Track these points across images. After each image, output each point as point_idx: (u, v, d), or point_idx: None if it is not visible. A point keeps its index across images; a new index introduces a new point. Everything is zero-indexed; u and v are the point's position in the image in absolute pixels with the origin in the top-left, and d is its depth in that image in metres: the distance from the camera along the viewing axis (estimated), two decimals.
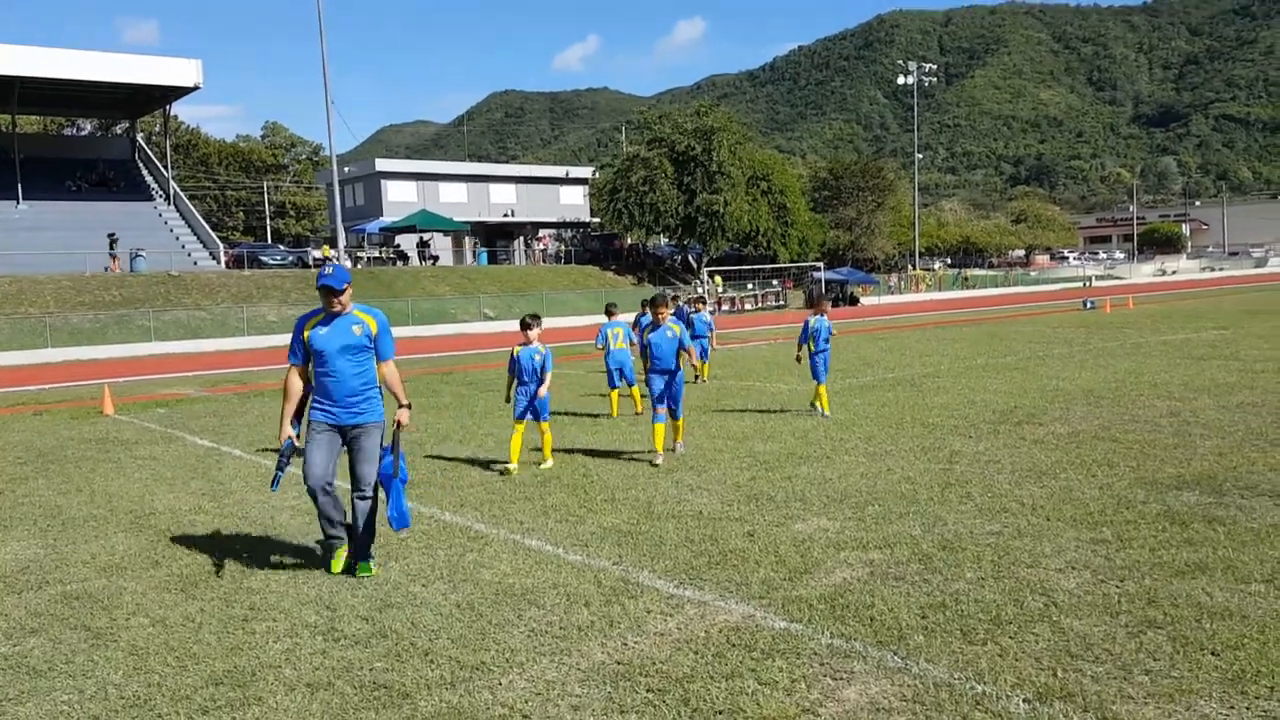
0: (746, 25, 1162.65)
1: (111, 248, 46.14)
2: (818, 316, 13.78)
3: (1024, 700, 4.45)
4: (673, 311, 14.91)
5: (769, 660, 5.03)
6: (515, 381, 10.53)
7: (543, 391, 10.35)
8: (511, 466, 10.28)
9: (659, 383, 10.59)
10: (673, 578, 6.46)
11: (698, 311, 18.61)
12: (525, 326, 10.40)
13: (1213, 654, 4.83)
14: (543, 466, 10.39)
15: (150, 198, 54.73)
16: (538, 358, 10.36)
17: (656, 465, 10.24)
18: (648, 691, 4.73)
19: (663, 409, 10.56)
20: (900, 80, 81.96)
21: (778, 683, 4.77)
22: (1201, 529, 6.97)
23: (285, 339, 36.45)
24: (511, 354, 10.56)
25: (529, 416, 10.43)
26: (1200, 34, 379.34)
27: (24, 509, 9.50)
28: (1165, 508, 7.59)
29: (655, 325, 10.69)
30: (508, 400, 10.75)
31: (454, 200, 69.67)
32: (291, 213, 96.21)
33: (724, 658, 5.09)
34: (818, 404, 13.57)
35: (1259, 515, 7.26)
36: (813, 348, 13.57)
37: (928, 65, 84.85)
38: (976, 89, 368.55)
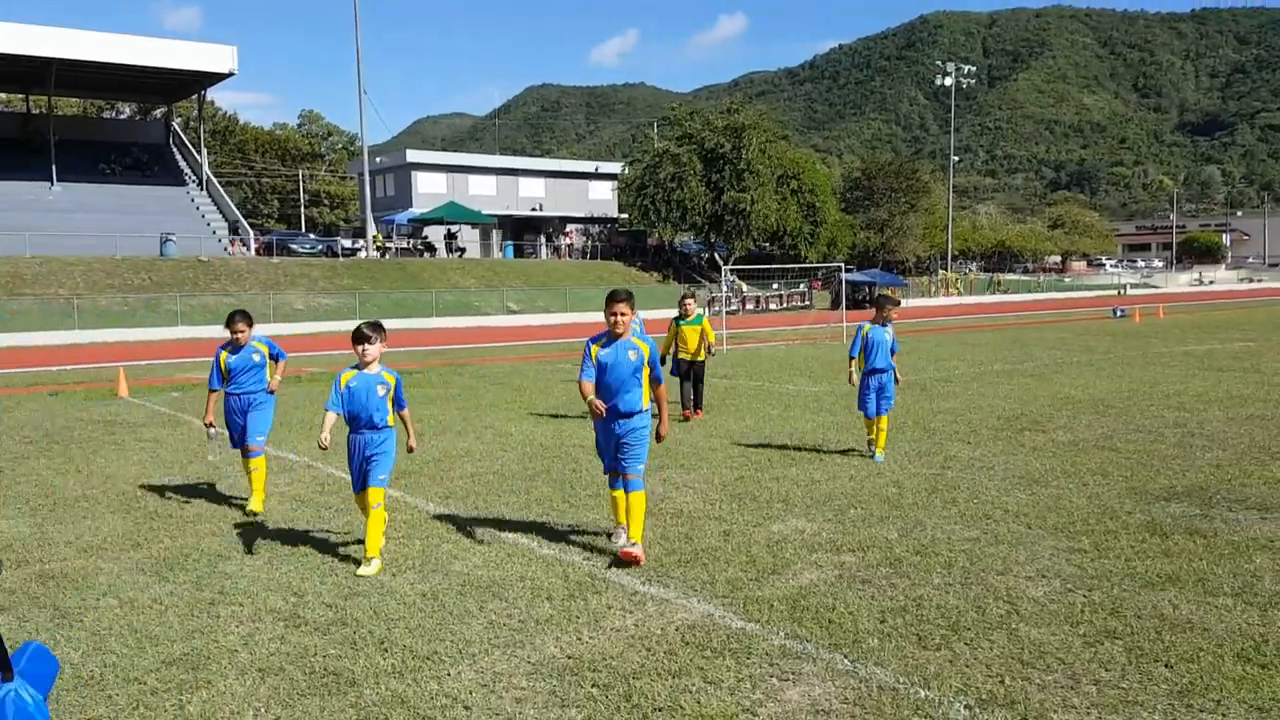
0: (788, 22, 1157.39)
1: (236, 234, 49.45)
2: (876, 325, 10.36)
3: (965, 707, 4.40)
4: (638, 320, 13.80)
5: (719, 659, 5.01)
6: (346, 426, 6.91)
7: (412, 441, 7.17)
8: (365, 567, 6.65)
9: (602, 431, 6.98)
10: (640, 574, 6.45)
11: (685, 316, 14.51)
12: (361, 339, 6.76)
13: (1166, 666, 4.76)
14: (362, 571, 6.54)
15: (183, 183, 55.38)
16: (383, 390, 6.79)
17: (616, 542, 7.11)
18: (592, 687, 4.73)
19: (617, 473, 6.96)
20: (940, 81, 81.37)
21: (723, 682, 4.75)
22: (1181, 540, 6.87)
23: (311, 327, 36.81)
24: (337, 384, 6.82)
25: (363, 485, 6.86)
26: (1248, 43, 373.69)
27: (20, 488, 9.64)
28: (1149, 518, 7.48)
29: (611, 338, 6.82)
30: (323, 445, 6.77)
31: (483, 193, 69.95)
32: (325, 201, 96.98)
33: (675, 655, 5.08)
34: (873, 446, 10.38)
35: (1242, 528, 7.14)
36: (863, 365, 10.36)
37: (968, 67, 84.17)
38: (1019, 92, 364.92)
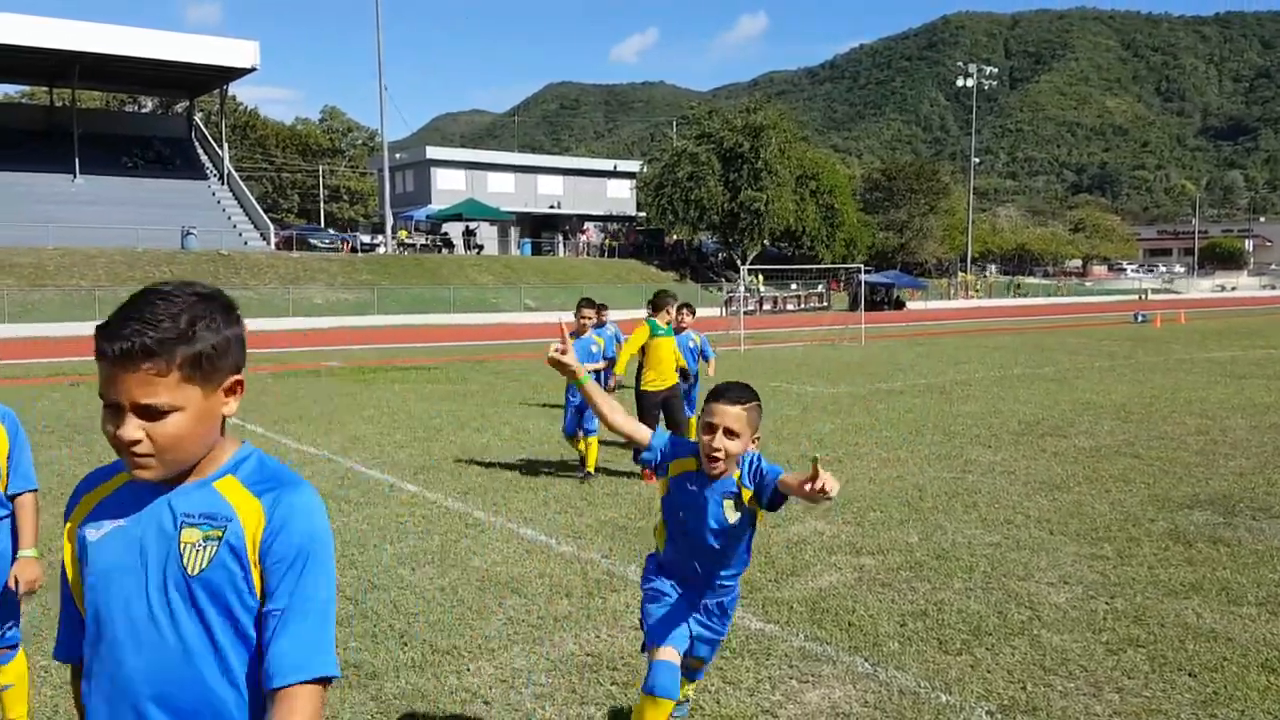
0: (809, 22, 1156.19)
1: (345, 232, 52.03)
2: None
3: (987, 713, 4.38)
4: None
5: (738, 660, 5.01)
6: None
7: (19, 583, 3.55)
8: None
9: None
10: None
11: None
12: None
13: (1190, 675, 4.73)
14: None
15: (205, 176, 55.67)
16: None
17: None
18: (611, 684, 4.74)
19: None
20: (961, 82, 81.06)
21: (742, 682, 4.74)
22: (1205, 549, 6.82)
23: (330, 321, 37.01)
24: None
25: None
26: (1273, 47, 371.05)
27: (42, 477, 9.61)
28: (1172, 526, 7.43)
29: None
30: None
31: (501, 190, 70.07)
32: (345, 197, 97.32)
33: None
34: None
35: (1266, 537, 7.08)
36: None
37: (990, 68, 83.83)
38: (1041, 94, 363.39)
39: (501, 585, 6.22)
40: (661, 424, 8.52)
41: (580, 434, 9.46)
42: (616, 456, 10.53)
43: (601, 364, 9.62)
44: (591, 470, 9.41)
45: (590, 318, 9.73)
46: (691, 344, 10.28)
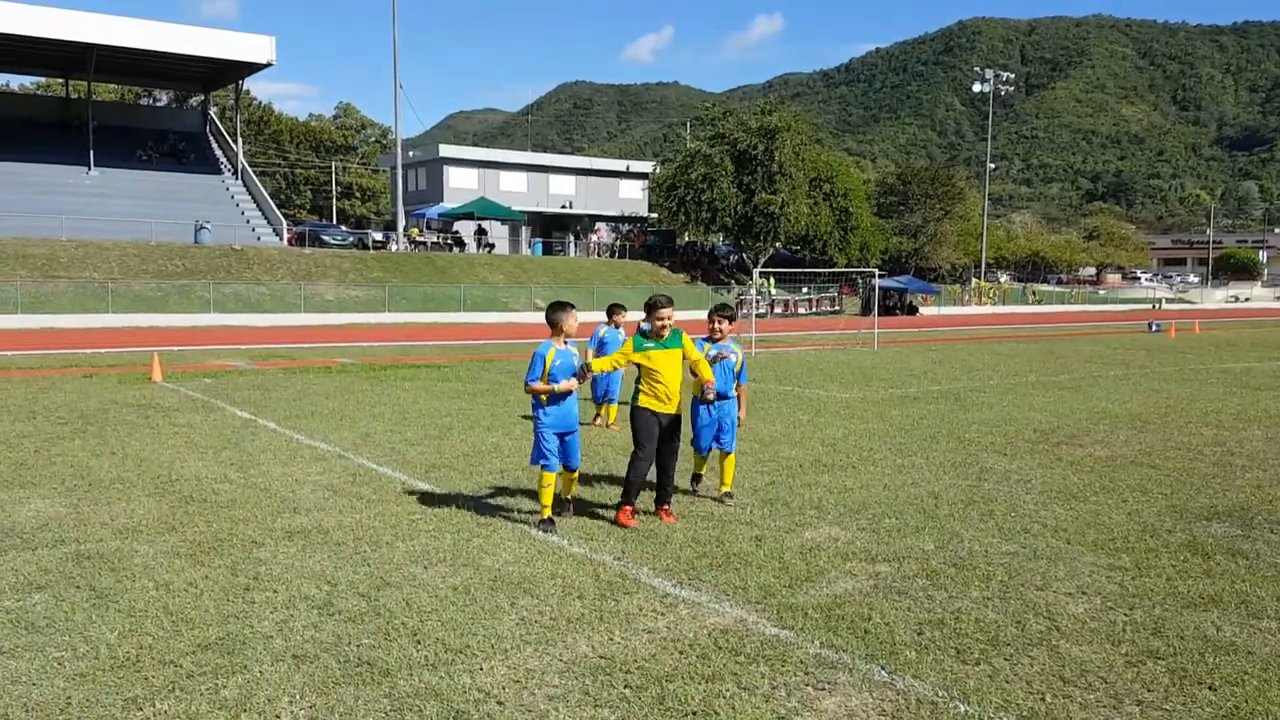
0: (825, 24, 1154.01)
1: (364, 229, 52.64)
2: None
3: None
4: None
5: (753, 665, 4.96)
6: None
7: None
8: None
9: None
10: (672, 577, 6.41)
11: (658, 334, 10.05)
12: None
13: (1210, 689, 4.67)
14: None
15: (219, 171, 55.86)
16: None
17: None
18: (625, 687, 4.70)
19: None
20: (977, 88, 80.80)
21: (757, 688, 4.70)
22: (1223, 561, 6.75)
23: (342, 318, 37.49)
24: None
25: None
26: None
27: (55, 468, 9.73)
28: (1190, 537, 7.36)
29: None
30: None
31: (514, 189, 70.13)
32: (358, 194, 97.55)
33: (708, 659, 5.03)
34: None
35: None
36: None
37: (1006, 74, 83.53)
38: (1057, 101, 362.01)
39: (514, 585, 6.19)
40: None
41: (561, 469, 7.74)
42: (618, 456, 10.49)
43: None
44: (568, 499, 8.10)
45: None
46: (732, 356, 8.55)
